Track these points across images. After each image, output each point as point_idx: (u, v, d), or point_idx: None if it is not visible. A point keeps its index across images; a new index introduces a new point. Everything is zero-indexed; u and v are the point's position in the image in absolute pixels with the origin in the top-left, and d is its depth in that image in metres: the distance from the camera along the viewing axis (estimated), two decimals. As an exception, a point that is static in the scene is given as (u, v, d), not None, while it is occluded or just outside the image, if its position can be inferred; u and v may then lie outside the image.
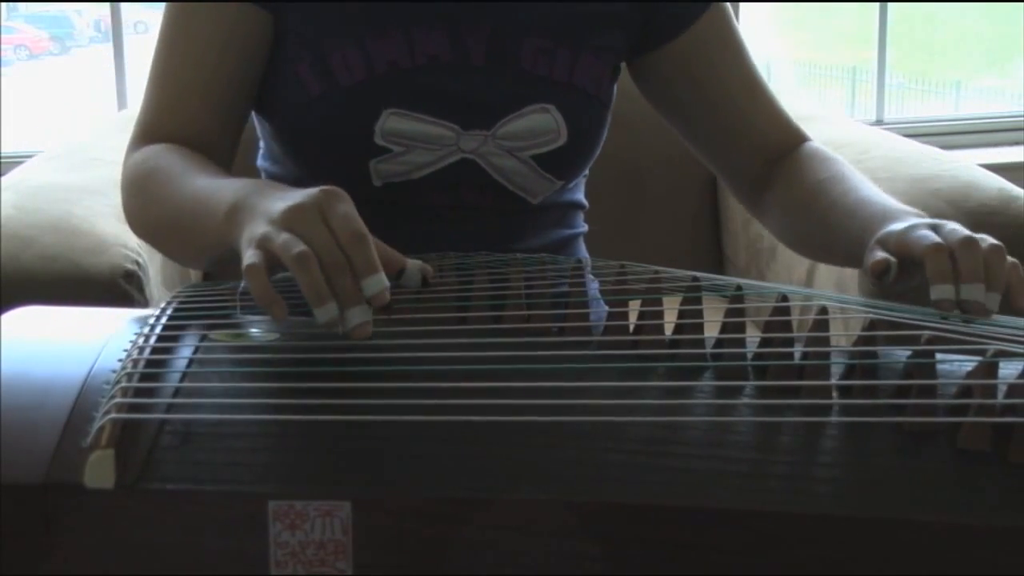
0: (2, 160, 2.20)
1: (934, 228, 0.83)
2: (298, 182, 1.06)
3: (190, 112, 1.00)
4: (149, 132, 1.00)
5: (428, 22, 1.00)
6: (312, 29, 0.99)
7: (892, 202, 0.94)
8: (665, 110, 1.13)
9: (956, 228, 0.82)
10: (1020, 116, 2.81)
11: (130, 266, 1.28)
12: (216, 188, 0.85)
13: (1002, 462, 0.62)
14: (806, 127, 1.13)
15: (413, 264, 0.77)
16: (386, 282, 0.71)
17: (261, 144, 1.11)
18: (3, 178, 1.51)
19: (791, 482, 0.61)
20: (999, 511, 0.60)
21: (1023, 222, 1.36)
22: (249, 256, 0.72)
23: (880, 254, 0.83)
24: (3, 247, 1.25)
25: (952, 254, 0.79)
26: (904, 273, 0.83)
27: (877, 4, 2.75)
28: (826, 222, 0.99)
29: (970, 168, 1.53)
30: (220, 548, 0.60)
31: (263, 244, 0.72)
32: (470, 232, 1.03)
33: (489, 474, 0.62)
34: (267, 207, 0.76)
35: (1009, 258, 0.81)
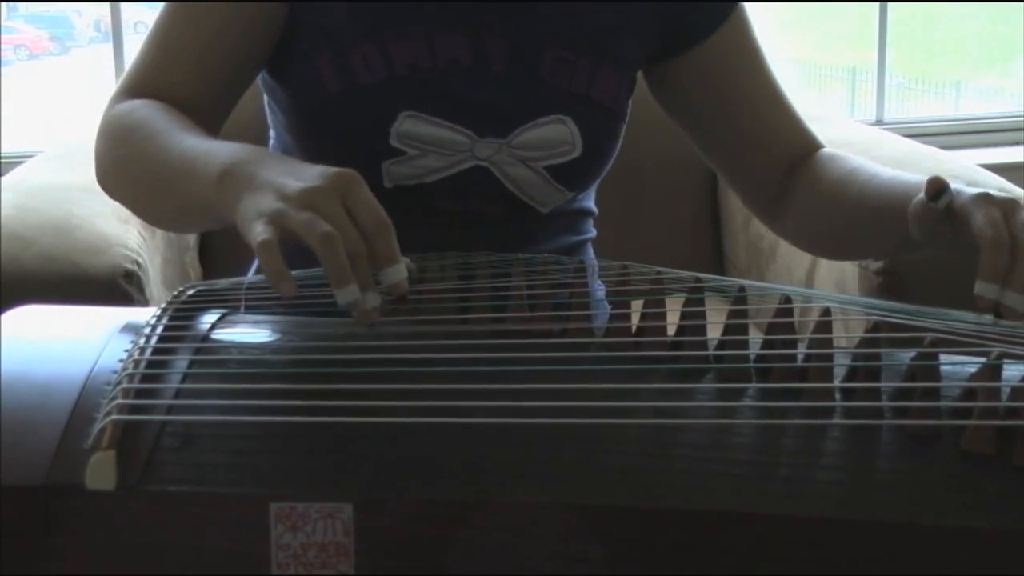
0: (2, 160, 2.19)
1: (1005, 209, 0.80)
2: None
3: (181, 75, 0.98)
4: (136, 87, 0.99)
5: (450, 25, 0.99)
6: (333, 26, 0.99)
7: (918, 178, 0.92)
8: (682, 119, 1.12)
9: None
10: (1020, 116, 2.81)
11: (130, 266, 1.27)
12: (208, 148, 0.83)
13: (1006, 465, 0.62)
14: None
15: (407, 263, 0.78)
16: (404, 272, 0.72)
17: (272, 135, 1.11)
18: (3, 178, 1.51)
19: (794, 485, 0.61)
20: (1003, 514, 0.60)
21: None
22: (261, 231, 0.71)
23: (934, 176, 0.82)
24: (3, 247, 1.25)
25: (1013, 252, 0.77)
26: (952, 230, 0.82)
27: (877, 4, 2.75)
28: (862, 205, 0.97)
29: (970, 168, 1.53)
30: (221, 550, 0.60)
31: (277, 220, 0.71)
32: (478, 238, 1.03)
33: (490, 476, 0.61)
34: (275, 180, 0.74)
35: None
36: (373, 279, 0.71)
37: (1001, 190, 1.41)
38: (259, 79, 1.06)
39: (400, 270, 0.71)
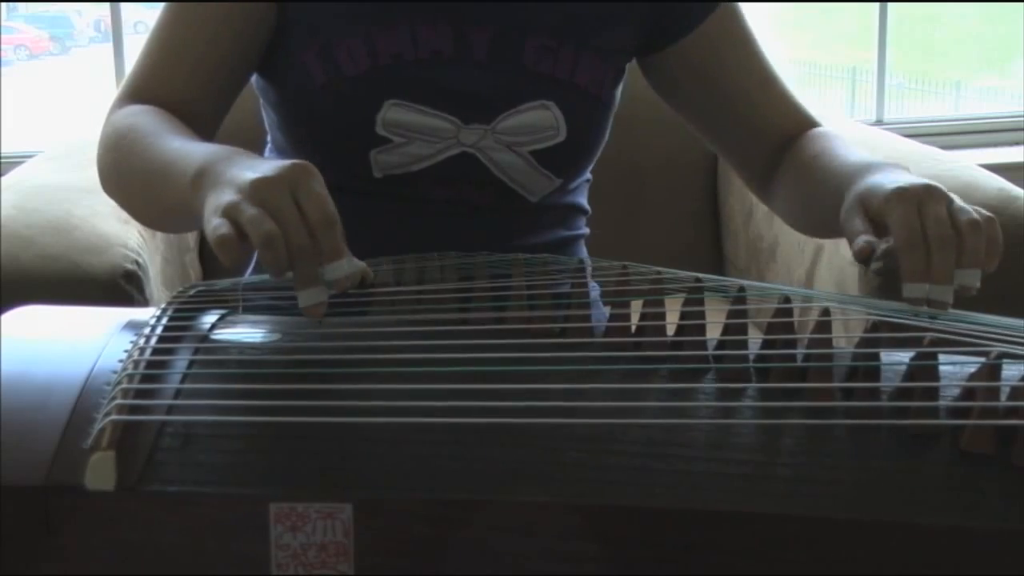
0: (2, 160, 2.19)
1: (921, 199, 0.81)
2: None
3: (179, 79, 1.01)
4: (135, 93, 1.02)
5: (433, 18, 1.01)
6: (320, 21, 1.01)
7: (865, 157, 0.93)
8: (678, 107, 1.14)
9: (939, 216, 0.81)
10: (1020, 116, 2.81)
11: (130, 266, 1.27)
12: (188, 150, 0.85)
13: (1005, 465, 0.62)
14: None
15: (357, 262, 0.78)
16: (347, 269, 0.72)
17: (268, 139, 1.12)
18: (3, 178, 1.51)
19: (793, 484, 0.61)
20: (1002, 514, 0.60)
21: (1023, 222, 1.36)
22: (217, 225, 0.72)
23: (863, 240, 0.82)
24: (3, 247, 1.25)
25: (928, 247, 0.79)
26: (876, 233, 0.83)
27: (877, 4, 2.75)
28: (814, 193, 0.99)
29: (970, 168, 1.53)
30: (221, 550, 0.60)
31: (230, 213, 0.72)
32: (469, 229, 1.04)
33: (490, 476, 0.61)
34: (235, 175, 0.76)
35: (983, 213, 0.82)
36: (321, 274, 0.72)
37: (1002, 189, 1.41)
38: (253, 83, 1.07)
39: (342, 266, 0.72)
